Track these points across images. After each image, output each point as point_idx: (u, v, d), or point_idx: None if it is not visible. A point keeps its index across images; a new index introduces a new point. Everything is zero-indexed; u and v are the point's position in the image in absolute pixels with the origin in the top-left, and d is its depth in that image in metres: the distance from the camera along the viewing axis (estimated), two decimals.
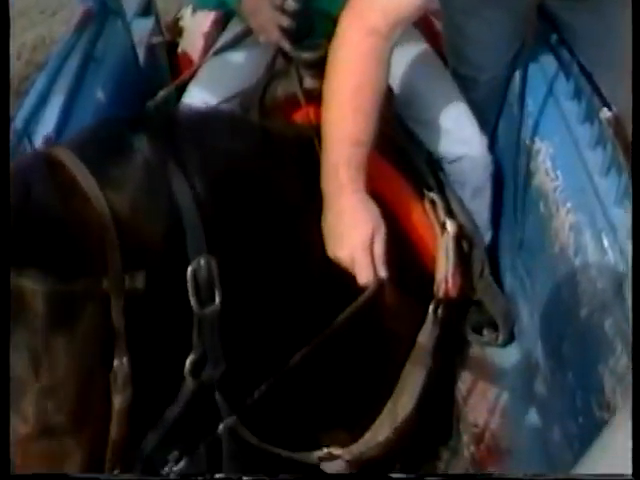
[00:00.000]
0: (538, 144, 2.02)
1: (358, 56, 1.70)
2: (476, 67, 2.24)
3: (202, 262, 1.19)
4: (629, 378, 1.52)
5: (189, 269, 1.18)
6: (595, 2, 2.12)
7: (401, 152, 2.02)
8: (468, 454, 2.06)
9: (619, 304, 1.60)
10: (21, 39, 4.96)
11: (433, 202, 1.92)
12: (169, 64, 2.76)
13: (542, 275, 1.99)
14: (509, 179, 2.19)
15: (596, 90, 1.95)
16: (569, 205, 1.84)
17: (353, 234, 1.53)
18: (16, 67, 4.62)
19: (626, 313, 1.56)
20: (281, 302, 1.40)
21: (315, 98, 1.88)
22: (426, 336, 1.76)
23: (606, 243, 1.69)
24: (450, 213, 1.95)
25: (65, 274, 1.06)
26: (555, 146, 1.95)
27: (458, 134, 2.14)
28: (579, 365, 1.79)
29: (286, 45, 2.03)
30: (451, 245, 1.84)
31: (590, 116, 1.92)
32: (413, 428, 1.43)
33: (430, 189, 1.98)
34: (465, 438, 2.07)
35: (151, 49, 2.70)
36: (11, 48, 4.24)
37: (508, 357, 2.21)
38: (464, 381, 2.12)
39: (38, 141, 2.00)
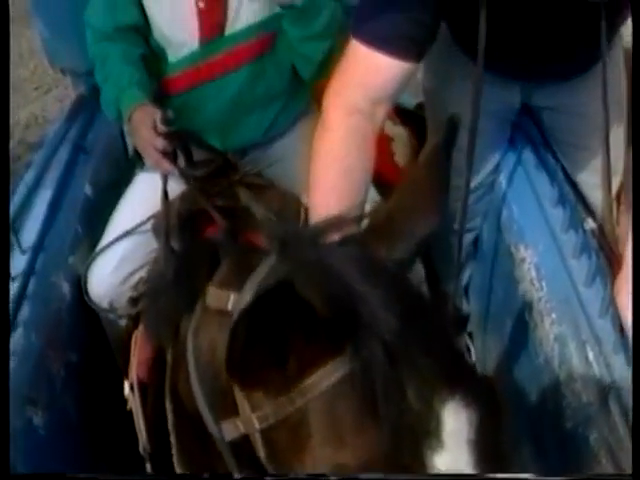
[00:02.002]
0: (523, 252, 2.02)
1: (342, 138, 1.71)
2: (461, 175, 2.24)
3: None
4: None
5: None
6: (575, 104, 2.15)
7: None
8: None
9: (604, 417, 1.59)
10: (14, 117, 4.99)
11: None
12: None
13: (526, 386, 1.97)
14: (495, 285, 2.19)
15: (580, 198, 1.96)
16: (554, 316, 1.83)
17: None
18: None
19: (612, 425, 1.55)
20: None
21: (229, 214, 1.91)
22: None
23: (591, 356, 1.68)
24: None
25: None
26: (540, 254, 1.95)
27: None
28: (564, 475, 1.76)
29: (165, 166, 2.01)
30: None
31: (574, 224, 1.93)
32: None
33: None
34: None
35: None
36: None
37: None
38: None
39: (25, 237, 2.00)
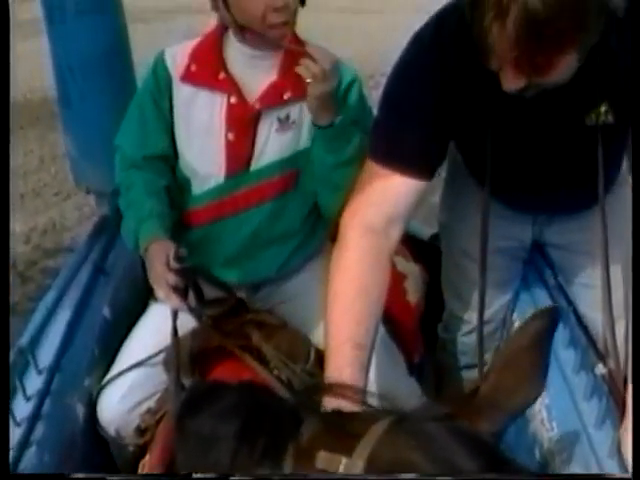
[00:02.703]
0: None
1: (358, 258, 1.76)
2: (474, 310, 2.27)
3: None
4: None
5: None
6: (584, 242, 2.19)
7: None
8: None
9: None
10: (33, 222, 5.06)
11: None
12: None
13: None
14: (506, 422, 2.20)
15: (591, 341, 1.99)
16: (564, 456, 1.84)
17: None
18: (24, 251, 4.70)
19: None
20: None
21: (245, 349, 1.93)
22: None
23: None
24: None
25: None
26: (551, 396, 1.95)
27: None
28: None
29: (175, 302, 2.00)
30: None
31: (585, 366, 1.95)
32: None
33: None
34: None
35: None
36: (21, 230, 4.38)
37: None
38: None
39: (42, 358, 2.03)
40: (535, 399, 1.33)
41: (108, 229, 2.57)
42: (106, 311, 2.35)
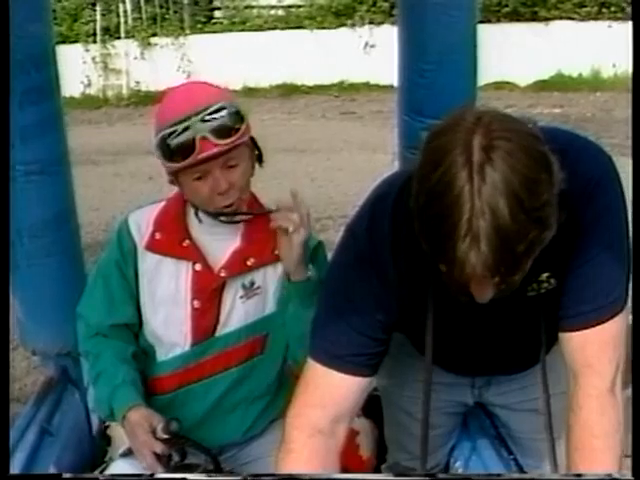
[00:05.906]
0: None
1: (306, 459, 1.73)
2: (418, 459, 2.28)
3: None
4: None
5: None
6: (525, 401, 2.19)
7: None
8: None
9: None
10: None
11: None
12: None
13: None
14: None
15: None
16: None
17: None
18: None
19: None
20: None
21: None
22: None
23: None
24: None
25: None
26: None
27: None
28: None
29: (159, 470, 1.97)
30: None
31: None
32: None
33: None
34: None
35: None
36: None
37: None
38: None
39: None
40: None
41: (54, 391, 2.57)
42: (52, 471, 2.32)
